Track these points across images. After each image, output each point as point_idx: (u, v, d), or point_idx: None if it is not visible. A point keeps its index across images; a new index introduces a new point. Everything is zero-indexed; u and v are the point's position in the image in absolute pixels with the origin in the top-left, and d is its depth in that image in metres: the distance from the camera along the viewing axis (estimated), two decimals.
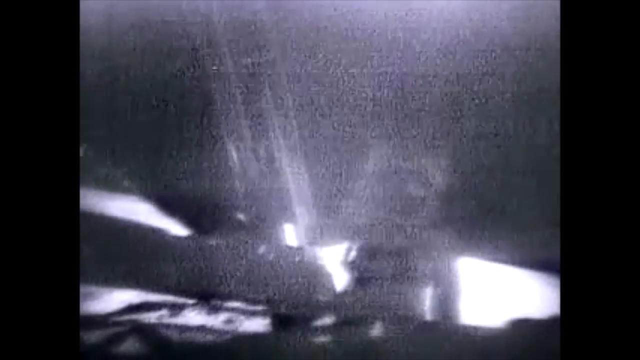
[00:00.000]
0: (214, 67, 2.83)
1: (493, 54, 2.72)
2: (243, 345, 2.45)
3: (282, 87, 2.85)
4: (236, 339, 2.54)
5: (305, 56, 2.81)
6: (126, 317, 2.57)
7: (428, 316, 2.78)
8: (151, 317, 2.61)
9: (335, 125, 2.85)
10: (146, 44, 2.85)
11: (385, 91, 2.81)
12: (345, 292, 2.80)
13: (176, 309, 2.65)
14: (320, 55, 2.80)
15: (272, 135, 2.87)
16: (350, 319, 2.67)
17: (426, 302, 2.82)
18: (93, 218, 2.56)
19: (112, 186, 2.88)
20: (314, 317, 2.65)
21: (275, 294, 2.71)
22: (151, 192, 2.90)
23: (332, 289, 2.80)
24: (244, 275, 2.72)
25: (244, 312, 2.66)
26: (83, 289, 2.09)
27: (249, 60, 2.83)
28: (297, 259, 2.83)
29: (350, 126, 2.85)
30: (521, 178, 2.78)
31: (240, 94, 2.86)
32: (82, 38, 1.99)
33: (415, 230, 2.84)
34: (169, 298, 2.67)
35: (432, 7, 2.71)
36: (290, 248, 2.87)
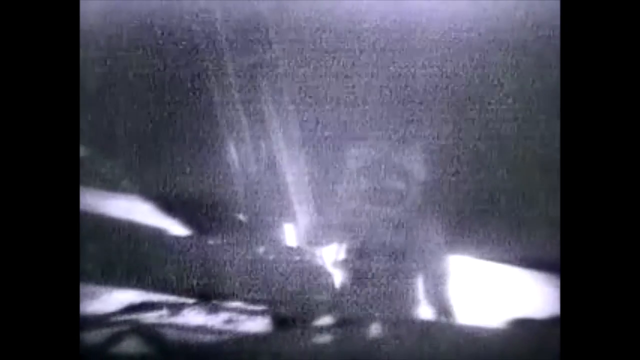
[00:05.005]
0: (214, 67, 2.83)
1: (492, 54, 2.72)
2: (243, 345, 2.45)
3: (282, 86, 2.85)
4: (236, 339, 2.53)
5: (305, 56, 2.81)
6: (126, 317, 2.57)
7: (428, 316, 2.78)
8: (151, 317, 2.60)
9: (336, 124, 2.85)
10: (146, 44, 2.85)
11: (386, 91, 2.82)
12: (345, 292, 2.80)
13: (176, 309, 2.65)
14: (320, 55, 2.80)
15: (272, 135, 2.88)
16: (351, 318, 2.67)
17: (426, 301, 2.82)
18: (93, 218, 2.55)
19: (112, 186, 2.88)
20: (314, 316, 2.65)
21: (275, 294, 2.71)
22: (151, 192, 2.90)
23: (333, 288, 2.80)
24: (244, 275, 2.72)
25: (244, 312, 2.66)
26: (83, 289, 2.08)
27: (249, 60, 2.83)
28: (296, 258, 2.83)
29: (351, 126, 2.85)
30: (521, 177, 2.78)
31: (240, 94, 2.85)
32: (82, 38, 1.98)
33: (416, 229, 2.84)
34: (169, 298, 2.67)
35: (432, 7, 2.71)
36: (290, 248, 2.87)
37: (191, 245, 2.76)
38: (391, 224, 2.84)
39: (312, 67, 2.81)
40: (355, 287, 2.81)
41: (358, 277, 2.82)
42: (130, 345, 2.36)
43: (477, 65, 2.74)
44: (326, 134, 2.86)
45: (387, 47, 2.78)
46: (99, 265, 2.52)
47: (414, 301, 2.81)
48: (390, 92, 2.82)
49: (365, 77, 2.81)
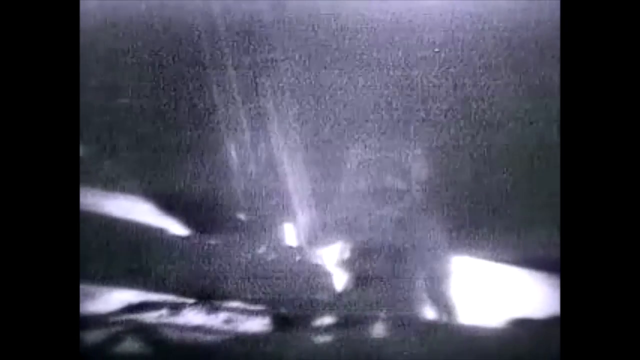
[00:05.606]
0: (215, 67, 2.83)
1: (492, 53, 2.72)
2: (243, 345, 2.45)
3: (282, 87, 2.85)
4: (236, 338, 2.53)
5: (305, 56, 2.81)
6: (126, 317, 2.57)
7: (428, 315, 2.78)
8: (151, 317, 2.60)
9: (336, 124, 2.85)
10: (147, 44, 2.85)
11: (386, 91, 2.81)
12: (345, 291, 2.79)
13: (176, 308, 2.65)
14: (321, 55, 2.80)
15: (272, 135, 2.87)
16: (350, 318, 2.67)
17: (426, 301, 2.81)
18: (93, 218, 2.56)
19: (112, 186, 2.88)
20: (314, 317, 2.65)
21: (275, 294, 2.71)
22: (151, 192, 2.90)
23: (332, 288, 2.80)
24: (244, 275, 2.72)
25: (244, 312, 2.66)
26: (83, 289, 2.09)
27: (250, 59, 2.83)
28: (297, 258, 2.83)
29: (351, 126, 2.85)
30: (521, 178, 2.78)
31: (240, 94, 2.85)
32: (82, 38, 1.99)
33: (416, 229, 2.84)
34: (169, 298, 2.67)
35: (433, 6, 2.71)
36: (290, 248, 2.86)
37: (191, 245, 2.77)
38: (391, 224, 2.84)
39: (312, 67, 2.81)
40: (355, 286, 2.81)
41: (358, 276, 2.82)
42: (130, 345, 2.36)
43: (477, 65, 2.74)
44: (326, 134, 2.86)
45: (388, 46, 2.78)
46: (99, 265, 2.52)
47: (415, 301, 2.81)
48: (391, 91, 2.82)
49: (365, 77, 2.81)
